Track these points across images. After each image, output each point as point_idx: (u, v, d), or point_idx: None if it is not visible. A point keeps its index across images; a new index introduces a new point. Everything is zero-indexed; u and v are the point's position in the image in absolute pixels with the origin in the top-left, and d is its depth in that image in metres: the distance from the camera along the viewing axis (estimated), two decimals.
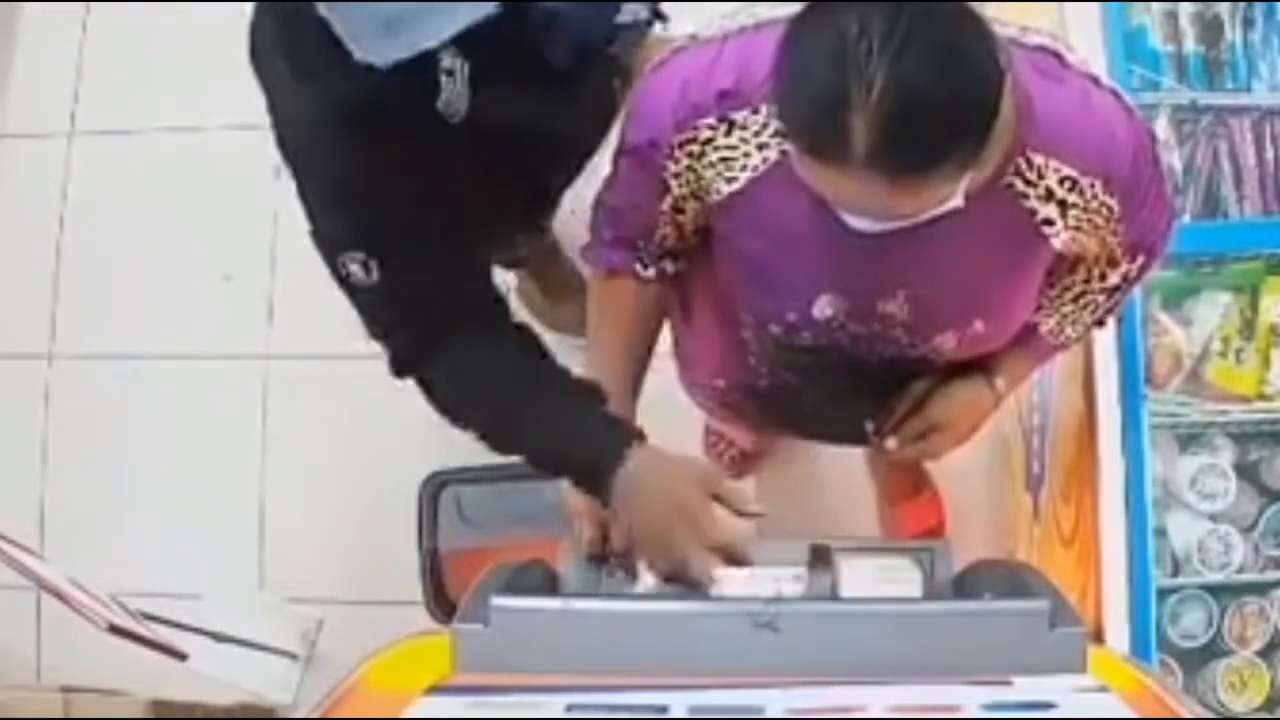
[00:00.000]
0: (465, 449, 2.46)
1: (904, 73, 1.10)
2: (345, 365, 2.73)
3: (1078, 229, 1.38)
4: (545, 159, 1.66)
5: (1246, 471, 1.89)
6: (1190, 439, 1.89)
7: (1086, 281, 1.51)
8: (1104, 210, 1.37)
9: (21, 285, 2.86)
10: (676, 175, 1.41)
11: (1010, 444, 2.37)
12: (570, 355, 2.59)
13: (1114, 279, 1.51)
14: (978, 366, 1.60)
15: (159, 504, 2.70)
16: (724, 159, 1.37)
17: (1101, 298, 1.54)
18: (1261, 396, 1.85)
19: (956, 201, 1.24)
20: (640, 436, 1.49)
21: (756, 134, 1.34)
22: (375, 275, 1.44)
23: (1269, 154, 1.91)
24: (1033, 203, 1.34)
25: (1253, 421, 1.87)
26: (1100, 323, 1.60)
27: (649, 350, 1.60)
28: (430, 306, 1.49)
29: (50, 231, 2.88)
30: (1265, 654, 1.86)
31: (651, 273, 1.53)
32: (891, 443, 1.64)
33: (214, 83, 2.84)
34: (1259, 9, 1.93)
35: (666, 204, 1.45)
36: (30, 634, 2.64)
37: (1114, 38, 1.86)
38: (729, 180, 1.39)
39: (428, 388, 1.54)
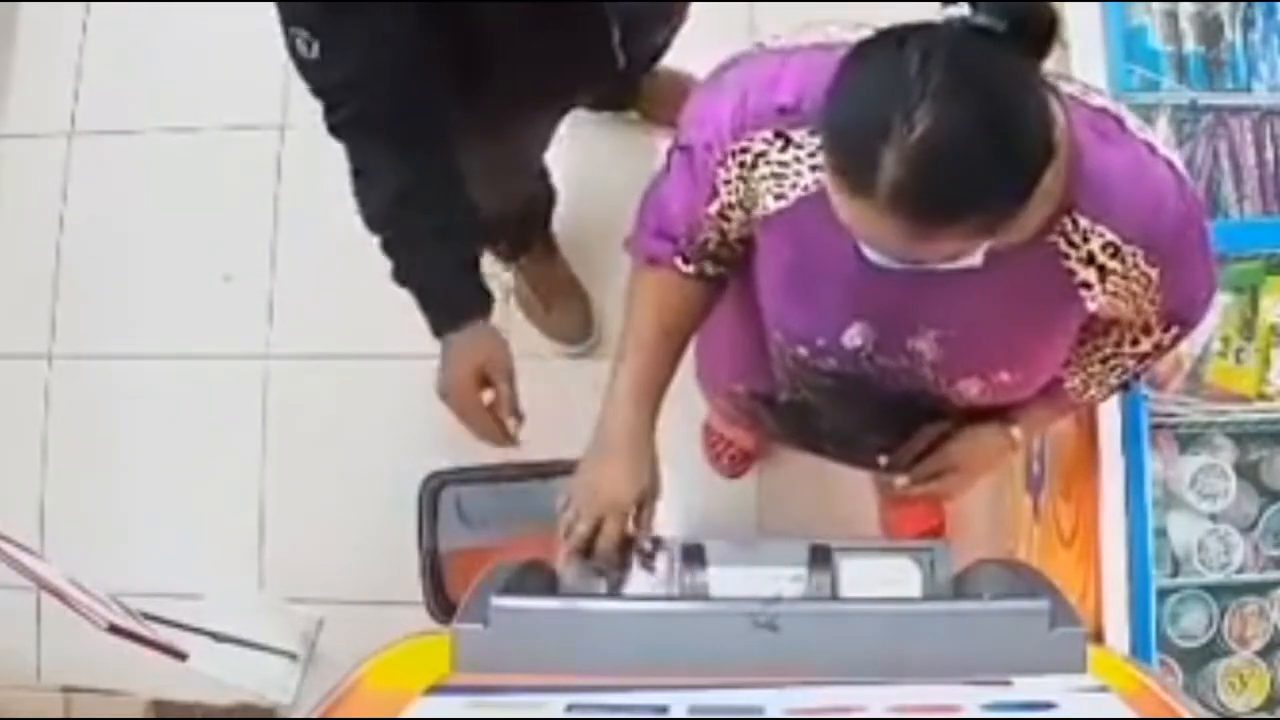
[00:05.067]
0: (466, 449, 2.48)
1: (950, 120, 1.09)
2: (345, 365, 2.74)
3: (1114, 295, 1.37)
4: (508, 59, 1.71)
5: (1246, 471, 1.89)
6: (1190, 439, 1.89)
7: (1118, 345, 1.50)
8: (1143, 279, 1.35)
9: (21, 285, 2.87)
10: (727, 182, 1.40)
11: None
12: (565, 364, 2.63)
13: (1145, 346, 1.49)
14: (997, 414, 1.59)
15: (159, 504, 2.70)
16: (775, 175, 1.36)
17: (1131, 362, 1.52)
18: (1261, 396, 1.85)
19: (973, 260, 1.23)
20: (486, 315, 1.76)
21: (812, 154, 1.33)
22: (315, 53, 1.58)
23: (1269, 154, 1.91)
24: (1073, 264, 1.33)
25: (1253, 421, 1.87)
26: (1125, 386, 1.59)
27: (680, 349, 1.57)
28: (359, 95, 1.62)
29: (50, 231, 2.88)
30: (1265, 654, 1.86)
31: (692, 269, 1.52)
32: (903, 481, 1.64)
33: (214, 83, 2.86)
34: (1259, 9, 1.93)
35: (714, 208, 1.44)
36: (30, 634, 2.63)
37: (1114, 38, 1.86)
38: (778, 197, 1.38)
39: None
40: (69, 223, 2.89)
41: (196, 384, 2.76)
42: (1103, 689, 1.19)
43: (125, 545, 2.64)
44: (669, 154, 1.48)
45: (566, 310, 2.60)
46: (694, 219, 1.47)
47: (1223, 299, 1.86)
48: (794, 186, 1.36)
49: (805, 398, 1.63)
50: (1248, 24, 1.93)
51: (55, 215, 2.89)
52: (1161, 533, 1.85)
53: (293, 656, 2.56)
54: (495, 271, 2.62)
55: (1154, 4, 1.93)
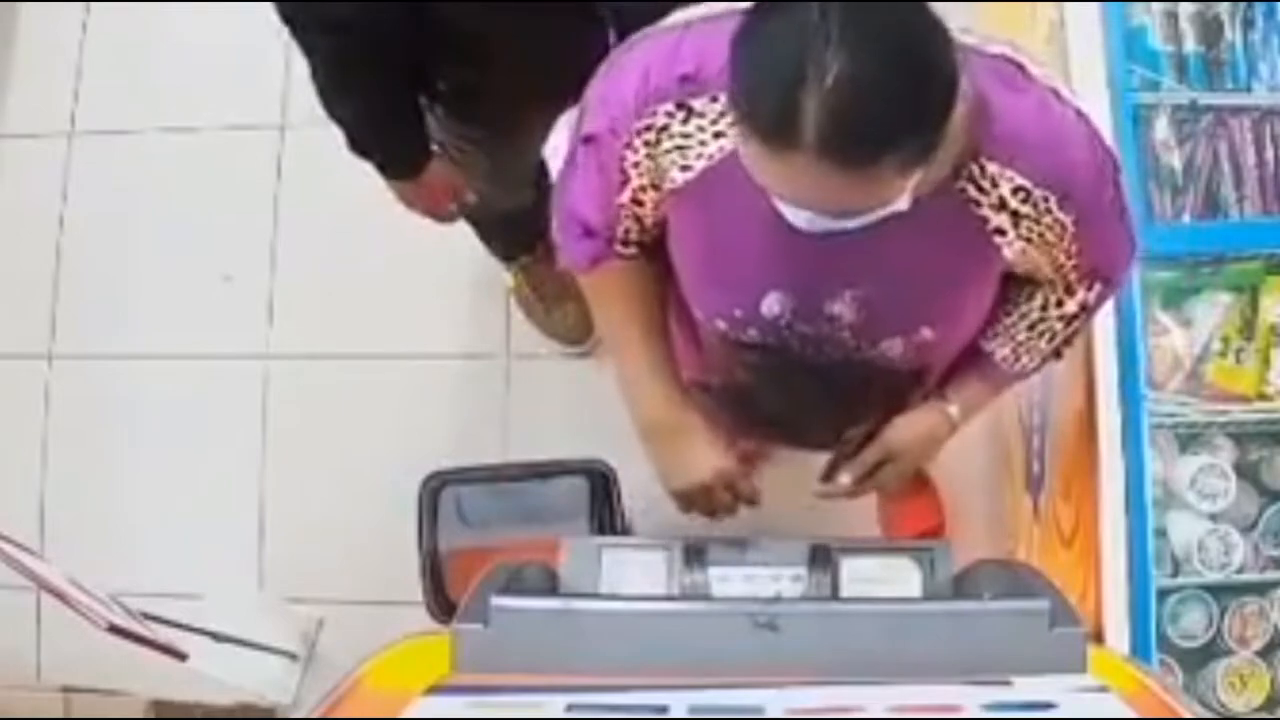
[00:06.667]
0: (466, 449, 2.48)
1: (860, 58, 1.10)
2: (345, 365, 2.74)
3: (1029, 241, 1.37)
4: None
5: (1246, 471, 1.89)
6: (1190, 439, 1.88)
7: (1044, 309, 1.50)
8: (1057, 226, 1.36)
9: (21, 285, 2.87)
10: (635, 165, 1.40)
11: (1010, 444, 2.37)
12: (565, 364, 2.63)
13: (1071, 307, 1.49)
14: (932, 395, 1.59)
15: (159, 504, 2.70)
16: (680, 146, 1.36)
17: (1059, 326, 1.52)
18: (1261, 396, 1.85)
19: (901, 205, 1.23)
20: (418, 168, 1.89)
21: (714, 122, 1.33)
22: None
23: (1269, 154, 1.91)
24: (985, 210, 1.34)
25: (1253, 421, 1.87)
26: (1058, 354, 1.59)
27: (664, 323, 1.57)
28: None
29: (50, 231, 2.88)
30: (1265, 654, 1.86)
31: (632, 250, 1.51)
32: (845, 477, 1.63)
33: (214, 83, 2.86)
34: (1259, 9, 1.93)
35: (626, 196, 1.43)
36: (30, 634, 2.64)
37: (1114, 38, 1.86)
38: (684, 169, 1.37)
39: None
40: (69, 223, 2.89)
41: (196, 384, 2.76)
42: (1103, 689, 1.19)
43: (125, 545, 2.64)
44: (571, 150, 1.47)
45: (566, 310, 2.60)
46: (609, 212, 1.46)
47: (1223, 299, 1.86)
48: (699, 156, 1.36)
49: (740, 379, 1.61)
50: (1248, 24, 1.93)
51: (55, 215, 2.89)
52: (1161, 533, 1.85)
53: (293, 656, 2.56)
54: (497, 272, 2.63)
55: (1154, 4, 1.93)
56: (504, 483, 2.22)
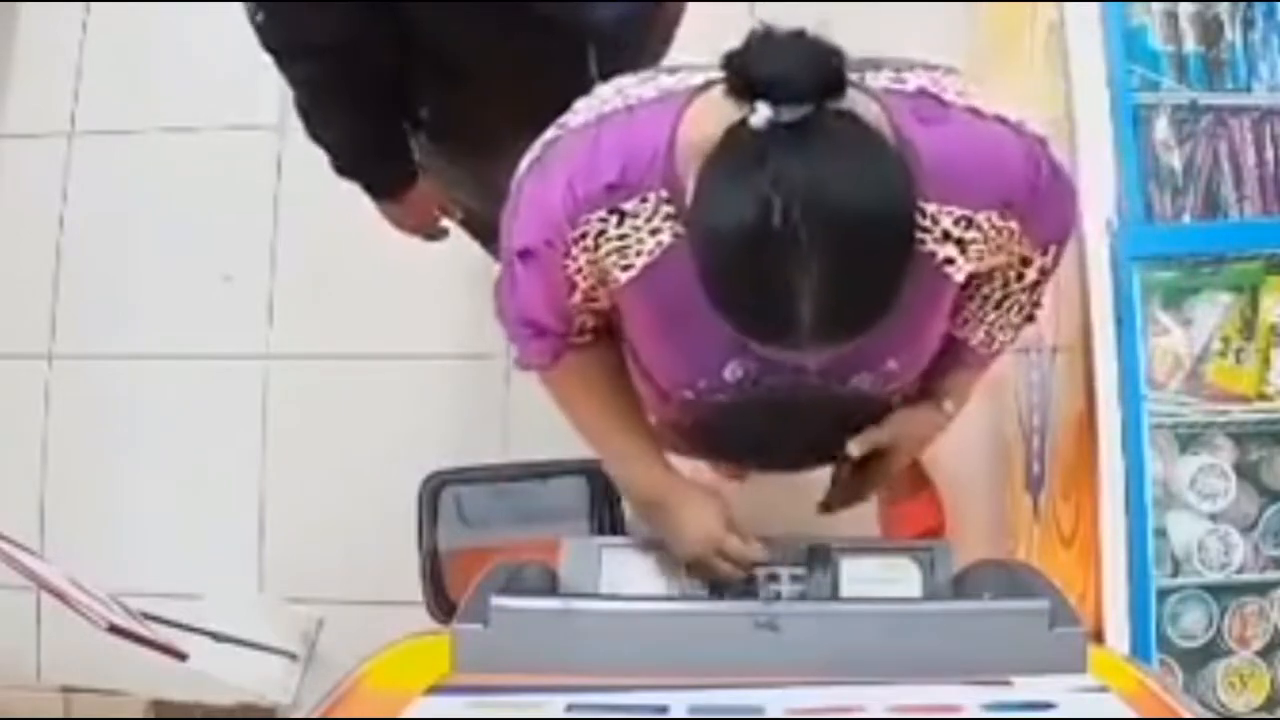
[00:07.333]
0: (466, 449, 2.48)
1: (839, 248, 1.13)
2: (345, 365, 2.75)
3: (980, 258, 1.38)
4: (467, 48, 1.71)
5: (1246, 471, 1.88)
6: (1190, 439, 1.88)
7: (1005, 285, 1.51)
8: (1005, 232, 1.36)
9: (21, 285, 2.87)
10: (579, 271, 1.39)
11: (1010, 444, 2.37)
12: None
13: (1032, 275, 1.50)
14: (922, 395, 1.61)
15: (159, 504, 2.70)
16: (618, 249, 1.35)
17: (1024, 296, 1.53)
18: (1261, 396, 1.85)
19: None
20: (403, 189, 1.92)
21: (649, 219, 1.33)
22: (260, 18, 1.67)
23: (1269, 154, 1.91)
24: (930, 246, 1.33)
25: (1253, 421, 1.86)
26: (1030, 318, 1.59)
27: (635, 398, 1.58)
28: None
29: (50, 231, 2.88)
30: (1265, 654, 1.86)
31: (588, 338, 1.51)
32: (854, 448, 1.62)
33: (213, 83, 2.86)
34: (1259, 9, 1.92)
35: (577, 298, 1.43)
36: (30, 634, 2.64)
37: (1114, 38, 1.86)
38: (625, 268, 1.37)
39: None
40: (69, 223, 2.89)
41: (196, 384, 2.77)
42: (1103, 689, 1.19)
43: (125, 545, 2.64)
44: (508, 265, 1.44)
45: None
46: (561, 311, 1.45)
47: (1223, 299, 1.86)
48: (638, 254, 1.35)
49: (712, 421, 1.61)
50: (1248, 24, 1.93)
51: (55, 215, 2.89)
52: (1161, 533, 1.85)
53: (293, 656, 2.56)
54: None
55: (1154, 4, 1.93)
56: (504, 483, 2.22)
